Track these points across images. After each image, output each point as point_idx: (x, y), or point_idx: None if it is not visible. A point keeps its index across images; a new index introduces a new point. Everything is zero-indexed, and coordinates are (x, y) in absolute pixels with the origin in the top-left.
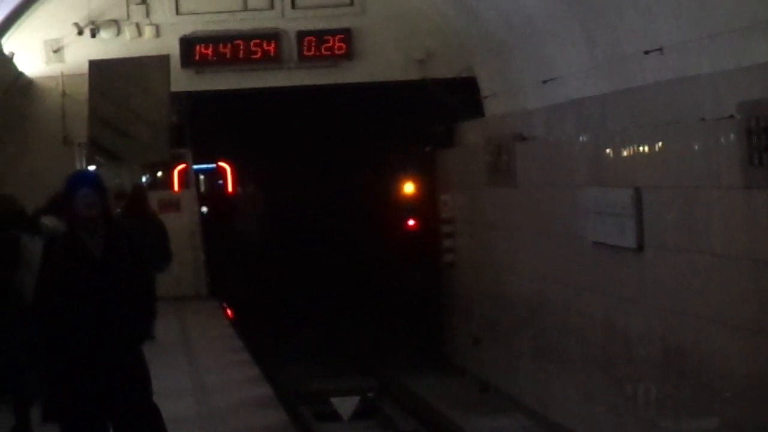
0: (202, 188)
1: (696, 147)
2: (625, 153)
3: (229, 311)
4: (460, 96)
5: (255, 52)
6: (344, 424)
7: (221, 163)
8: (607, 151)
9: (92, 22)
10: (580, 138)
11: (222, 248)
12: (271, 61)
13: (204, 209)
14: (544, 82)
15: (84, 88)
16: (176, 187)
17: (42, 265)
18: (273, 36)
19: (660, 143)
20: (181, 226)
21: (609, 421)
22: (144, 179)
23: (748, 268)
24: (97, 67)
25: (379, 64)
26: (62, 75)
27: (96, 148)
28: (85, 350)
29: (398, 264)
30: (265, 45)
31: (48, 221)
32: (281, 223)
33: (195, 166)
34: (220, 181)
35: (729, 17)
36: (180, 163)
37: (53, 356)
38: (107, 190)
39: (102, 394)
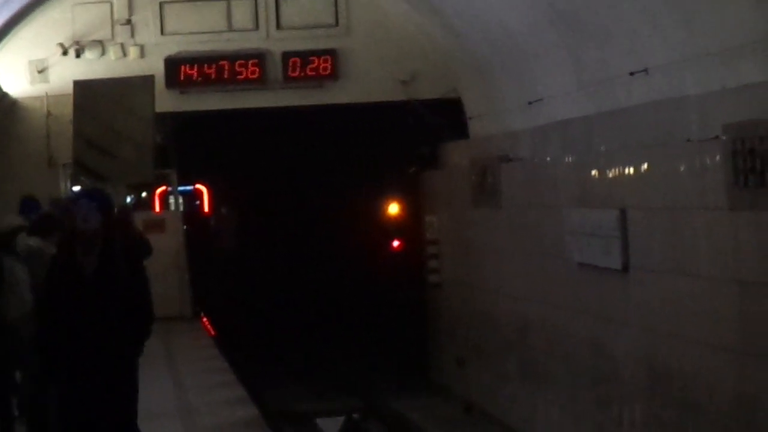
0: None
1: (682, 168)
2: (610, 174)
3: (208, 326)
4: (445, 117)
5: (240, 73)
6: None
7: (198, 185)
8: (593, 172)
9: (77, 43)
10: (566, 159)
11: (202, 268)
12: (256, 81)
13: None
14: (530, 103)
15: (69, 108)
16: (157, 208)
17: (44, 282)
18: (258, 57)
19: (646, 164)
20: (167, 247)
21: None
22: (129, 200)
23: (733, 290)
24: (81, 87)
25: (364, 85)
26: (47, 95)
27: (81, 169)
28: (75, 367)
29: (383, 285)
30: (250, 66)
31: (32, 242)
32: (265, 244)
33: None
34: (197, 202)
35: (714, 39)
36: (161, 185)
37: (48, 374)
38: (110, 208)
39: (89, 417)
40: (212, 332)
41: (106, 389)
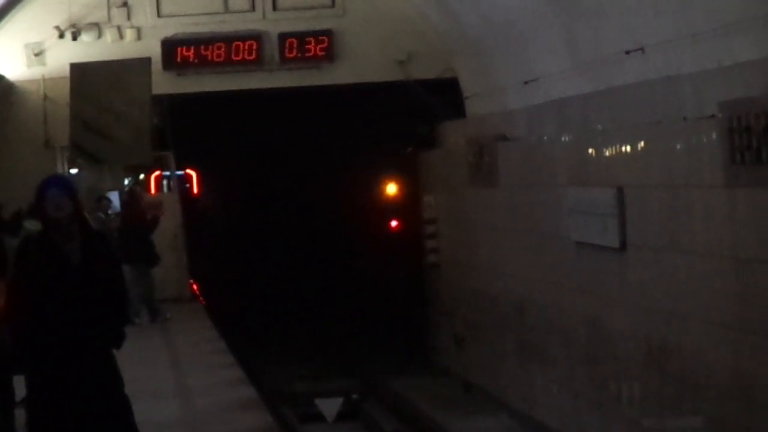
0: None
1: (678, 146)
2: (607, 153)
3: (197, 294)
4: (442, 97)
5: (236, 54)
6: (328, 426)
7: (188, 170)
8: (589, 150)
9: (73, 25)
10: (562, 138)
11: (196, 250)
12: (253, 63)
13: None
14: (526, 82)
15: (65, 91)
16: (153, 191)
17: (15, 267)
18: (254, 38)
19: (642, 143)
20: (165, 229)
21: (593, 420)
22: (126, 182)
23: (729, 267)
24: (78, 70)
25: (361, 65)
26: (43, 78)
27: (78, 151)
28: (56, 357)
29: (381, 265)
30: (246, 47)
31: (30, 225)
32: (263, 226)
33: (167, 172)
34: (187, 185)
35: (710, 17)
36: (156, 169)
37: (26, 363)
38: (77, 192)
39: (73, 405)
40: (202, 300)
41: (88, 380)
